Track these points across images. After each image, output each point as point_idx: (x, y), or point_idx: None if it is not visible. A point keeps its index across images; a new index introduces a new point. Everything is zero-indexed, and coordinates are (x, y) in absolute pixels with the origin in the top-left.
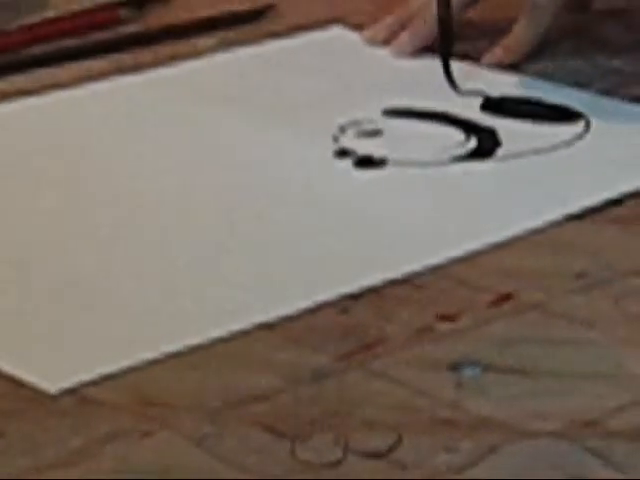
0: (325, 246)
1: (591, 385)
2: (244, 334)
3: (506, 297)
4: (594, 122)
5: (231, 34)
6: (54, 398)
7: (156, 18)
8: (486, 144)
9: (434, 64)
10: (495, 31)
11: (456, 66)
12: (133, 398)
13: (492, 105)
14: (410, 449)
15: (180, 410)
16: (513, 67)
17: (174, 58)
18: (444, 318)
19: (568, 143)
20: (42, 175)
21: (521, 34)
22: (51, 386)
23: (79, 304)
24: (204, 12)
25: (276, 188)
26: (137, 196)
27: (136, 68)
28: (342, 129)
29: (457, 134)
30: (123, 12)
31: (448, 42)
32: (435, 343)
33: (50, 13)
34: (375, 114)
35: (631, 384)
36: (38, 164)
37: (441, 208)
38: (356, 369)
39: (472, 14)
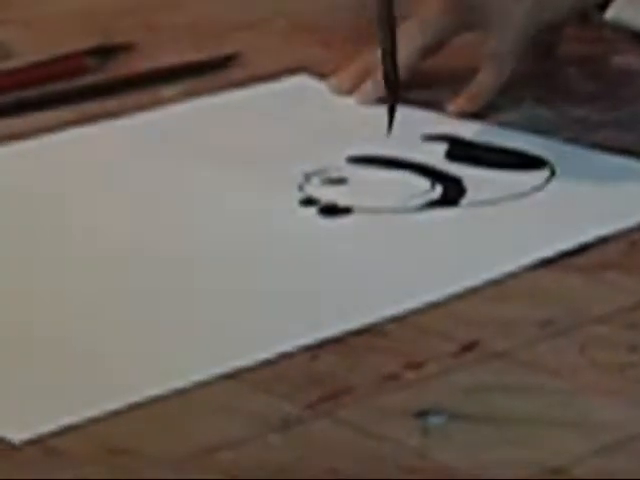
0: (291, 294)
1: (557, 433)
2: (211, 382)
3: (471, 345)
4: (559, 170)
5: (196, 83)
6: (18, 448)
7: (121, 67)
8: (451, 192)
9: (399, 112)
10: (458, 79)
11: (420, 114)
12: (98, 448)
13: (457, 153)
14: None
15: (145, 460)
16: (477, 115)
17: (139, 107)
18: (410, 366)
19: (533, 191)
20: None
21: (484, 82)
22: (15, 436)
23: (44, 354)
24: (169, 61)
25: (241, 237)
26: (97, 245)
27: (101, 117)
28: (307, 177)
29: (422, 182)
30: (89, 61)
31: (396, 89)
32: (401, 391)
33: (15, 62)
34: (340, 162)
35: (596, 432)
36: None
37: (406, 256)
38: (323, 417)
39: (434, 62)
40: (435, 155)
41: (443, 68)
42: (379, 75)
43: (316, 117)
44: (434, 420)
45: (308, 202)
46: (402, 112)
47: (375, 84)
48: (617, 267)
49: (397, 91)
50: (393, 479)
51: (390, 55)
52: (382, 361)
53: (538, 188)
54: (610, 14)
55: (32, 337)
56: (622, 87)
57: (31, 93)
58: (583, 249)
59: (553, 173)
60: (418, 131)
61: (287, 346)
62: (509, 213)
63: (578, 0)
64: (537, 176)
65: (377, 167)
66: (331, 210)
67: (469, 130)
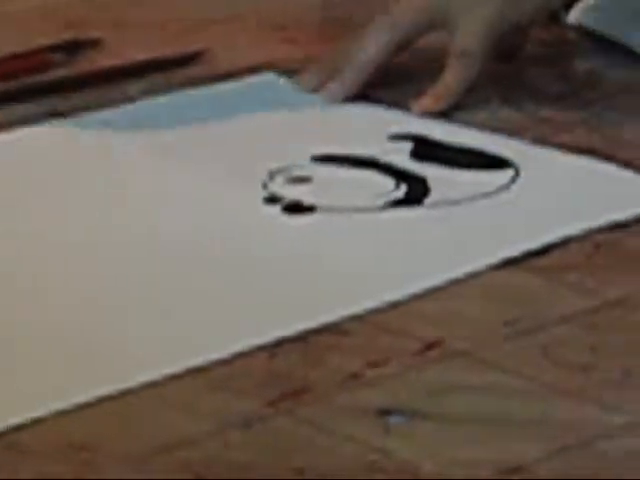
0: (252, 292)
1: (518, 433)
2: (172, 378)
3: (434, 344)
4: (523, 170)
5: (161, 79)
6: None
7: (87, 62)
8: (415, 191)
9: (364, 111)
10: (424, 78)
11: (385, 113)
12: (60, 443)
13: (422, 152)
14: None
15: (106, 456)
16: (442, 115)
17: (104, 103)
18: (372, 365)
19: (496, 191)
20: None
21: (450, 81)
22: None
23: (6, 347)
24: (136, 57)
25: (204, 234)
26: (63, 243)
27: (66, 113)
28: (271, 175)
29: (387, 181)
30: (55, 56)
31: None
32: (363, 390)
33: None
34: (305, 160)
35: (558, 431)
36: None
37: (369, 255)
38: (284, 415)
39: (400, 61)
40: (400, 154)
41: (409, 67)
42: (345, 73)
43: (281, 115)
44: (396, 419)
45: (272, 200)
46: (368, 111)
47: (341, 82)
48: (580, 268)
49: None
50: (355, 478)
51: None
52: (343, 360)
53: (502, 188)
54: (572, 18)
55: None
56: (587, 88)
57: None
58: (547, 250)
59: (517, 173)
60: (384, 130)
61: (246, 344)
62: (473, 213)
63: (545, 1)
64: (502, 176)
65: (341, 166)
66: (295, 208)
67: (434, 130)
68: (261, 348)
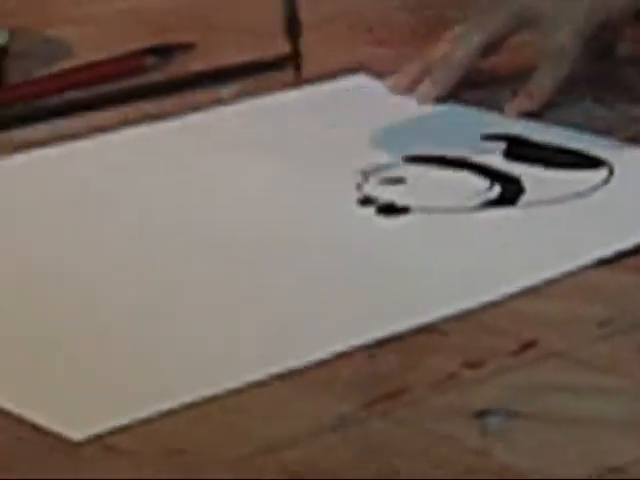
0: (349, 293)
1: (615, 432)
2: (269, 381)
3: (530, 344)
4: (617, 169)
5: (254, 83)
6: (77, 446)
7: (180, 66)
8: (509, 192)
9: (457, 112)
10: (516, 79)
11: (478, 114)
12: (156, 447)
13: (515, 152)
14: None
15: (204, 459)
16: (535, 115)
17: (197, 106)
18: (469, 365)
19: (590, 191)
20: (59, 223)
21: (542, 81)
22: (75, 434)
23: (105, 353)
24: (228, 60)
25: (300, 236)
26: (160, 244)
27: (160, 116)
28: (365, 176)
29: (480, 181)
30: (149, 60)
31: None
32: (460, 391)
33: (74, 61)
34: (398, 161)
35: None
36: (56, 213)
37: (464, 255)
38: (381, 417)
39: (492, 62)
40: (494, 154)
41: (501, 68)
42: (436, 74)
43: (374, 116)
44: (493, 420)
45: (366, 201)
46: (461, 112)
47: (433, 83)
48: None
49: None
50: (453, 479)
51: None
52: (440, 360)
53: (596, 188)
54: None
55: (91, 337)
56: None
57: (91, 92)
58: None
59: (611, 173)
60: (477, 131)
61: (345, 345)
62: (567, 213)
63: (635, 0)
64: (595, 176)
65: (435, 166)
66: (389, 209)
67: (528, 129)
68: (359, 349)
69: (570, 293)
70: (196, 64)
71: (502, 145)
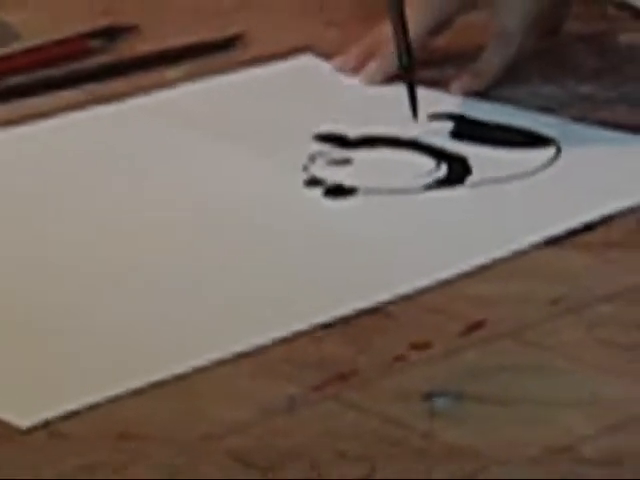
0: (296, 275)
1: (565, 412)
2: (217, 364)
3: (478, 325)
4: (565, 148)
5: (200, 64)
6: (25, 433)
7: (126, 49)
8: (456, 171)
9: (403, 91)
10: (463, 58)
11: (424, 93)
12: (105, 431)
13: (462, 132)
14: None
15: (153, 443)
16: (482, 93)
17: (144, 88)
18: (416, 347)
19: (538, 169)
20: (16, 204)
21: (489, 60)
22: (22, 421)
23: (49, 340)
24: (174, 42)
25: (246, 217)
26: (114, 225)
27: (108, 98)
28: (312, 158)
29: (427, 161)
30: (94, 43)
31: (411, 70)
32: (408, 373)
33: (20, 45)
34: (344, 142)
35: (604, 411)
36: (10, 196)
37: (412, 236)
38: (330, 400)
39: (439, 41)
40: (440, 134)
41: (449, 47)
42: (383, 55)
43: (321, 97)
44: (441, 401)
45: (313, 183)
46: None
47: (380, 64)
48: (623, 245)
49: (413, 72)
50: (401, 461)
51: (403, 36)
52: (388, 342)
53: (544, 166)
54: None
55: (36, 323)
56: (627, 64)
57: (36, 76)
58: (589, 227)
59: (559, 151)
60: (423, 110)
61: (290, 328)
62: (515, 191)
63: None
64: (543, 154)
65: (382, 147)
66: (336, 191)
67: (474, 108)
68: (305, 332)
69: (519, 273)
70: (142, 46)
71: (449, 124)
